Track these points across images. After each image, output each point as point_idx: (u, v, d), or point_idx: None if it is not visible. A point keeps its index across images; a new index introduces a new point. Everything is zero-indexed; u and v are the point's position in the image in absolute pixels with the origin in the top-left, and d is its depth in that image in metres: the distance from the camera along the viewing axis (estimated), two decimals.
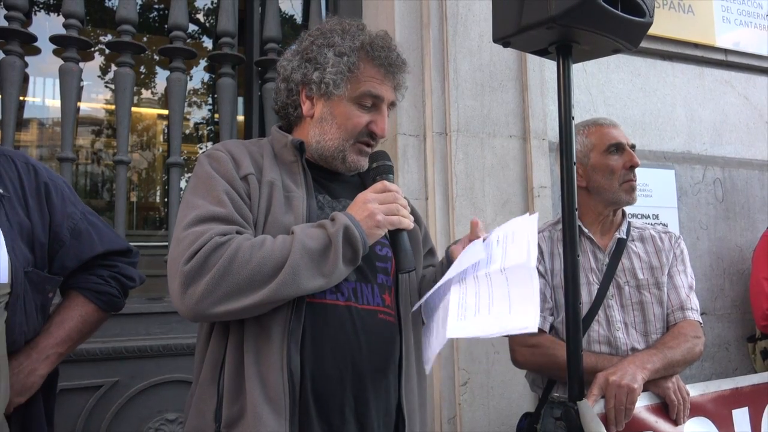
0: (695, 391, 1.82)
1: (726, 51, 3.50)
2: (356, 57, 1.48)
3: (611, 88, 3.17)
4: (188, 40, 2.68)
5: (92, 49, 2.96)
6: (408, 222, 1.40)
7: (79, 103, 2.85)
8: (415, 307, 1.51)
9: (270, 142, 1.56)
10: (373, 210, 1.35)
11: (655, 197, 3.11)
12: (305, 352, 1.33)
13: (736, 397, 1.88)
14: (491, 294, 1.32)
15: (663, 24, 3.15)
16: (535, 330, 1.22)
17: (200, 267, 1.23)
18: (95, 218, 1.69)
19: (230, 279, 1.23)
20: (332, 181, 1.56)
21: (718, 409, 1.83)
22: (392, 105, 1.56)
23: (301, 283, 1.26)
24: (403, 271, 1.42)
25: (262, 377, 1.28)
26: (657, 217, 3.10)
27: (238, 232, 1.31)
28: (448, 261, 1.52)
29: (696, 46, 3.40)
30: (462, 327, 1.29)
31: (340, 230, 1.29)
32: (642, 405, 1.71)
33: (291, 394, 1.29)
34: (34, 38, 2.42)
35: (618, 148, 2.00)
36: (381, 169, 1.47)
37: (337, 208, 1.49)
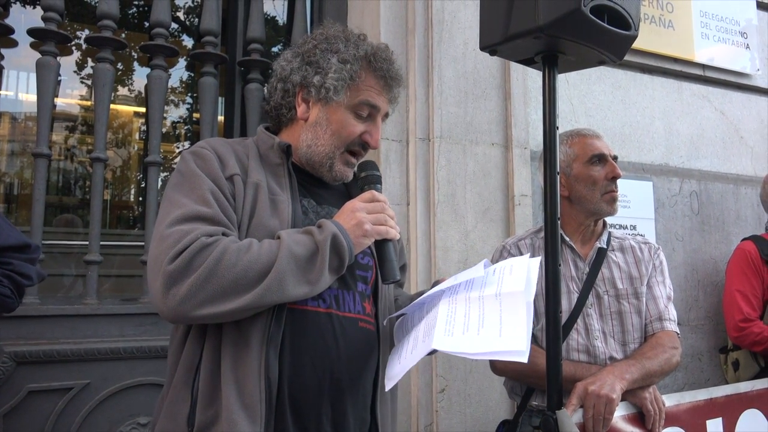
0: (670, 401, 1.84)
1: (704, 66, 3.57)
2: (359, 66, 1.48)
3: (592, 99, 3.21)
4: (168, 38, 2.64)
5: (70, 43, 2.90)
6: (395, 233, 1.40)
7: (55, 99, 2.79)
8: (393, 316, 1.49)
9: (255, 143, 1.53)
10: (361, 219, 1.34)
11: (633, 208, 3.15)
12: (284, 358, 1.31)
13: (710, 408, 1.90)
14: (482, 316, 1.29)
15: (644, 38, 3.20)
16: (526, 359, 1.19)
17: (185, 267, 1.20)
18: None
19: (215, 282, 1.20)
20: (317, 186, 1.54)
21: (693, 420, 1.85)
22: (385, 116, 1.56)
23: (286, 290, 1.24)
24: (388, 281, 1.40)
25: (238, 383, 1.26)
26: (634, 228, 3.13)
27: (224, 234, 1.28)
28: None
29: (675, 60, 3.47)
30: (448, 342, 1.26)
31: (328, 238, 1.28)
32: (619, 415, 1.72)
33: (267, 401, 1.26)
34: (11, 30, 2.37)
35: (600, 159, 2.02)
36: (370, 178, 1.47)
37: (321, 214, 1.47)
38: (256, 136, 1.57)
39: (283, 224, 1.36)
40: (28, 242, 1.66)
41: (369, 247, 1.48)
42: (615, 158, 2.06)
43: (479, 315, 1.30)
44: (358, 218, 1.34)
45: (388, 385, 1.35)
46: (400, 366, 1.34)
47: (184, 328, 1.36)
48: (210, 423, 1.26)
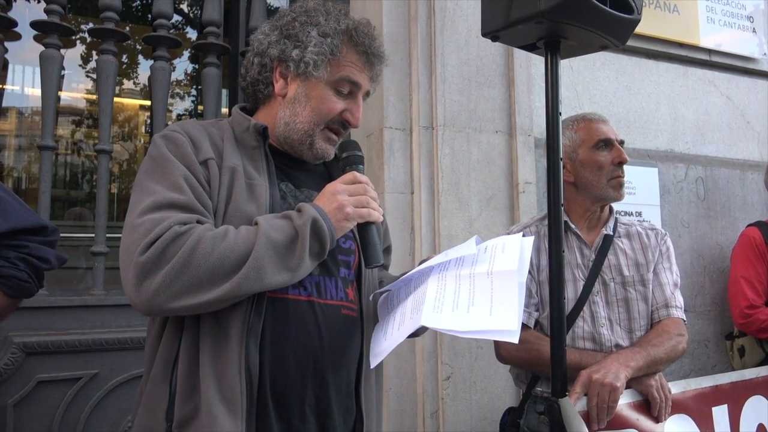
0: (676, 388, 1.83)
1: (710, 51, 3.54)
2: (340, 40, 1.41)
3: (597, 85, 3.19)
4: (172, 30, 2.63)
5: (74, 36, 2.91)
6: (378, 215, 1.34)
7: (59, 92, 2.80)
8: (378, 291, 1.46)
9: (230, 124, 1.45)
10: (342, 202, 1.29)
11: (639, 195, 3.13)
12: (265, 349, 1.27)
13: (716, 395, 1.90)
14: (472, 294, 1.26)
15: (649, 23, 3.17)
16: (516, 339, 1.17)
17: (158, 258, 1.15)
18: (1, 191, 1.54)
19: (190, 272, 1.15)
20: (296, 169, 1.49)
21: (699, 407, 1.84)
22: (366, 95, 1.51)
23: (265, 278, 1.19)
24: (371, 265, 1.36)
25: (218, 376, 1.22)
26: (640, 214, 3.12)
27: (198, 222, 1.23)
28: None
29: (680, 45, 3.43)
30: (437, 318, 1.23)
31: (308, 223, 1.23)
32: (624, 402, 1.71)
33: (249, 393, 1.22)
34: (14, 23, 2.37)
35: (607, 143, 2.00)
36: (351, 159, 1.41)
37: (300, 198, 1.42)
38: (230, 117, 1.50)
39: (261, 209, 1.31)
40: (45, 224, 1.60)
41: (351, 231, 1.43)
42: (621, 143, 2.04)
43: (469, 293, 1.26)
44: (339, 201, 1.29)
45: (374, 362, 1.31)
46: (386, 342, 1.31)
47: (161, 320, 1.32)
48: (189, 418, 1.22)
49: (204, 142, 1.35)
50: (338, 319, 1.38)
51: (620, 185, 1.99)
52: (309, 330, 1.32)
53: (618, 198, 2.01)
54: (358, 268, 1.47)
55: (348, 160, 1.41)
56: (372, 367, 1.33)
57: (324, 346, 1.33)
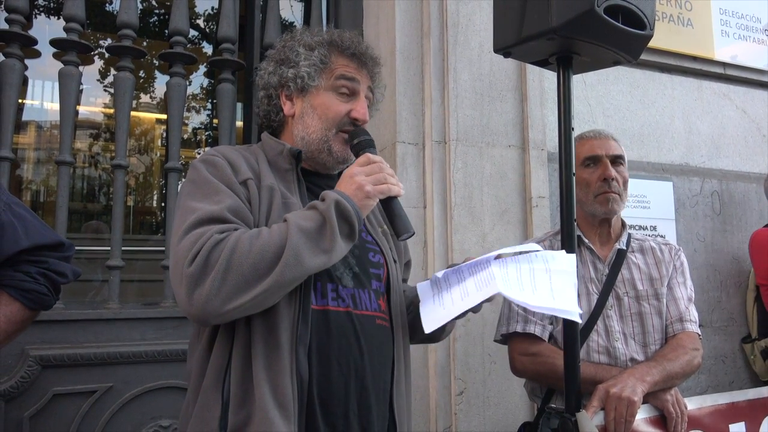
0: (693, 404, 1.82)
1: (724, 64, 3.52)
2: (326, 49, 1.52)
3: (610, 99, 3.18)
4: (188, 45, 2.67)
5: (92, 53, 2.96)
6: (398, 189, 1.40)
7: (78, 107, 2.84)
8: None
9: (262, 149, 1.56)
10: (360, 182, 1.36)
11: (653, 209, 3.11)
12: (311, 357, 1.34)
13: (733, 412, 1.88)
14: (533, 282, 1.37)
15: (662, 37, 3.17)
16: (579, 319, 1.37)
17: (203, 266, 1.22)
18: (22, 210, 1.61)
19: (234, 271, 1.22)
20: (323, 188, 1.54)
21: (715, 423, 1.83)
22: (371, 92, 1.58)
23: (304, 262, 1.25)
24: (402, 236, 1.41)
25: (271, 382, 1.28)
26: (655, 228, 3.10)
27: (235, 229, 1.30)
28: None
29: (695, 59, 3.42)
30: (510, 291, 1.33)
31: (332, 205, 1.29)
32: (641, 417, 1.71)
33: (299, 398, 1.29)
34: (35, 41, 2.42)
35: (594, 160, 2.00)
36: (362, 143, 1.48)
37: None
38: (260, 142, 1.60)
39: None
40: (63, 241, 1.67)
41: (378, 245, 1.53)
42: (619, 158, 2.02)
43: (531, 280, 1.37)
44: (357, 182, 1.36)
45: (428, 328, 1.39)
46: (444, 311, 1.41)
47: (209, 333, 1.37)
48: (243, 424, 1.27)
49: (242, 164, 1.44)
50: (374, 328, 1.45)
51: (607, 201, 1.96)
52: (349, 339, 1.39)
53: (608, 214, 1.99)
54: (387, 280, 1.54)
55: (360, 145, 1.48)
56: (427, 332, 1.40)
57: (363, 354, 1.40)
